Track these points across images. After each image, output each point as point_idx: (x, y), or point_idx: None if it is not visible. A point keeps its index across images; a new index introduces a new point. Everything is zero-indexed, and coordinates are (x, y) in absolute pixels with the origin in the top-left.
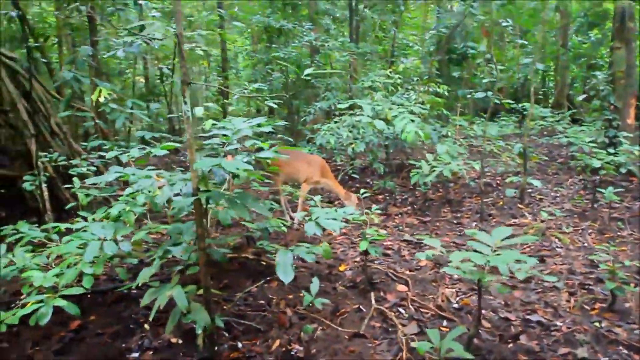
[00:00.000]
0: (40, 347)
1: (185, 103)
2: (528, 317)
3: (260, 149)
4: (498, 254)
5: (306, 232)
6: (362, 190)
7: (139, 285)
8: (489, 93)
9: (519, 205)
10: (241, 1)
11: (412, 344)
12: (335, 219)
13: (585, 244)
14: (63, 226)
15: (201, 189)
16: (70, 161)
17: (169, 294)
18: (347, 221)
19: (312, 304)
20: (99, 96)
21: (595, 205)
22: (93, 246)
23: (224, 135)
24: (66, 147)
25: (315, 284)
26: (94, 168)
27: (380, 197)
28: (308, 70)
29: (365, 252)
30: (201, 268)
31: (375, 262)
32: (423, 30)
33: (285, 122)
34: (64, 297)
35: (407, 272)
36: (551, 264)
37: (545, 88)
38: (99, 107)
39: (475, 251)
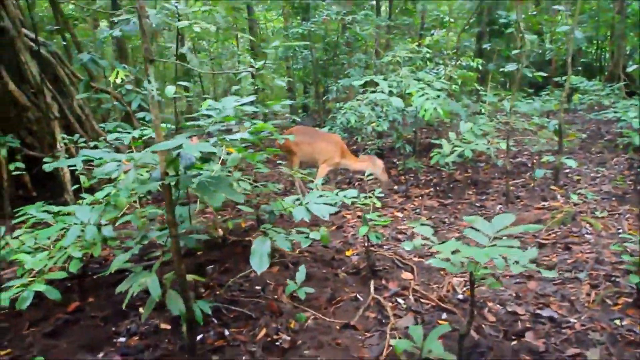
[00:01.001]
0: (35, 328)
1: (149, 82)
2: (539, 311)
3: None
4: (494, 245)
5: (294, 218)
6: (367, 171)
7: (113, 271)
8: (521, 65)
9: (552, 187)
10: None
11: (392, 342)
12: (328, 204)
13: (620, 230)
14: (57, 209)
15: (170, 174)
16: (89, 143)
17: (143, 281)
18: (338, 206)
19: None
20: (116, 77)
21: (638, 188)
22: (74, 230)
23: (208, 115)
24: (88, 129)
25: (301, 272)
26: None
27: (404, 177)
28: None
29: (368, 238)
30: (174, 255)
31: (384, 247)
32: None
33: (312, 100)
34: (51, 280)
35: (415, 258)
36: (577, 252)
37: (600, 59)
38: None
39: (469, 241)
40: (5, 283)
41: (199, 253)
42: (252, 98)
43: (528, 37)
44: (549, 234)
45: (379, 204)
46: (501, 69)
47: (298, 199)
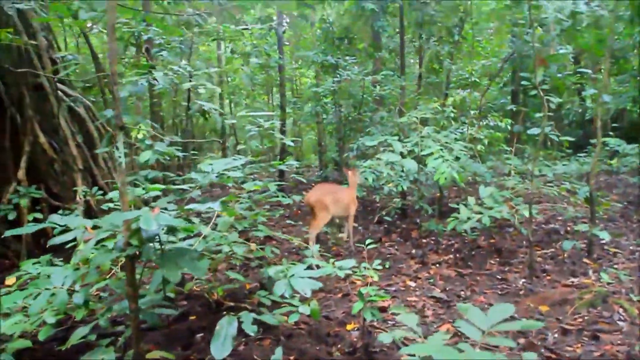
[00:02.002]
0: None
1: (117, 149)
2: None
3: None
4: (486, 342)
5: (275, 293)
6: (367, 241)
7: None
8: (542, 129)
9: (586, 260)
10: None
11: None
12: (313, 278)
13: None
14: (39, 270)
15: (134, 244)
16: (105, 196)
17: None
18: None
19: None
20: (138, 133)
21: None
22: (43, 296)
23: (191, 179)
24: (110, 182)
25: (277, 355)
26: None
27: (423, 241)
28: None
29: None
30: (133, 332)
31: (389, 322)
32: (479, 57)
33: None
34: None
35: (420, 339)
36: (606, 343)
37: None
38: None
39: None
40: None
41: (192, 318)
42: (243, 161)
43: (553, 99)
44: (575, 318)
45: (376, 277)
46: (529, 131)
47: (282, 271)
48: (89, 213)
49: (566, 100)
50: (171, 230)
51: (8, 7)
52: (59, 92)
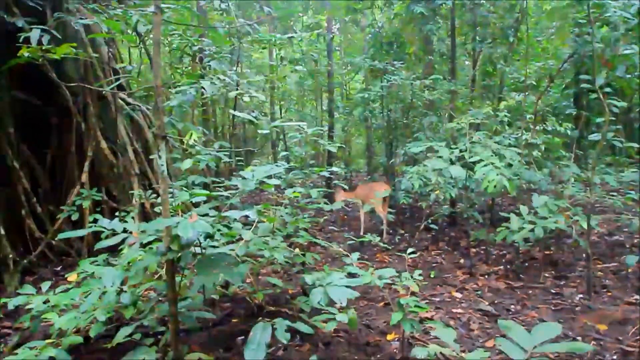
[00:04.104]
0: None
1: (160, 157)
2: None
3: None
4: None
5: (311, 301)
6: (409, 250)
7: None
8: (603, 134)
9: None
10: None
11: None
12: (349, 287)
13: None
14: (89, 269)
15: (174, 248)
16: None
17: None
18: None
19: None
20: (189, 139)
21: None
22: (94, 295)
23: (232, 187)
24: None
25: None
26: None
27: (474, 250)
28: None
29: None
30: (171, 335)
31: (432, 333)
32: (539, 59)
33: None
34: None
35: (465, 353)
36: None
37: None
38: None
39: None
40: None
41: (234, 320)
42: (281, 168)
43: (617, 103)
44: (638, 339)
45: (416, 288)
46: (589, 137)
47: (320, 279)
48: (144, 215)
49: (638, 102)
50: (209, 236)
51: (75, 22)
52: (120, 100)
